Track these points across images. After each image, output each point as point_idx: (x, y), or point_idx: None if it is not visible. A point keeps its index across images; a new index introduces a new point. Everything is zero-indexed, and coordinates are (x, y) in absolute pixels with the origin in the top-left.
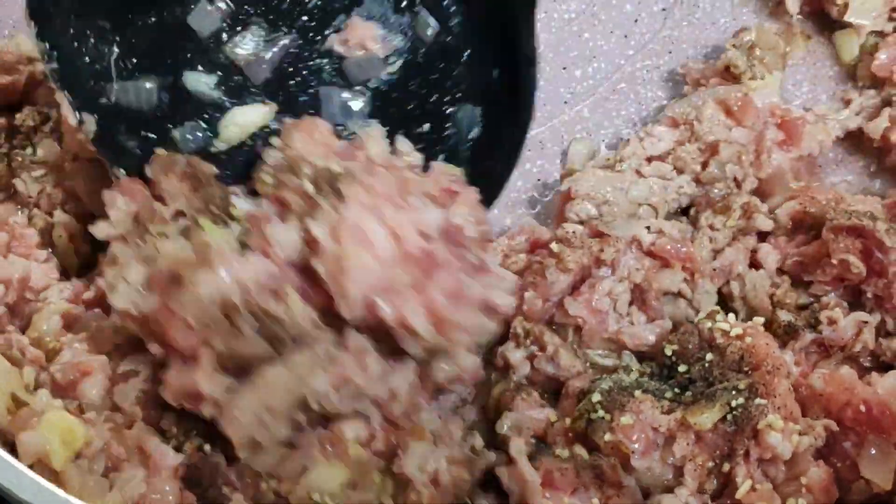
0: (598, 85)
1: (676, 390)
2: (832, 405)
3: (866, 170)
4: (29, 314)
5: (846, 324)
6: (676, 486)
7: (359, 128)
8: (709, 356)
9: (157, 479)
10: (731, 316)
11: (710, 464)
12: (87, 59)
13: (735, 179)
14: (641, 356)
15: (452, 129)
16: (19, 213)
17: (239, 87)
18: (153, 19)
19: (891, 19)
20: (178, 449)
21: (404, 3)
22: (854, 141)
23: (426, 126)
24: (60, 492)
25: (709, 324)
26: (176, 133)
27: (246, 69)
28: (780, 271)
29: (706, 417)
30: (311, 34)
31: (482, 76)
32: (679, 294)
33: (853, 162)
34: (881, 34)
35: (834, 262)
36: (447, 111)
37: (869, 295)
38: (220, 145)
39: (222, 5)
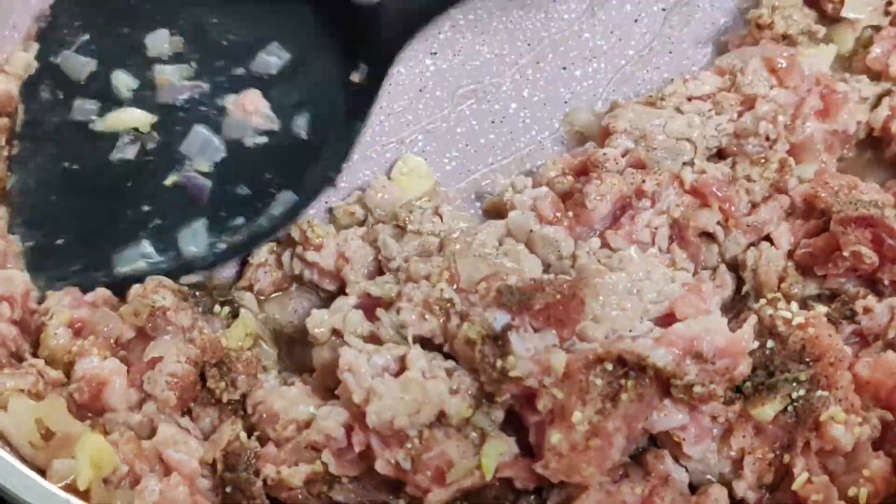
0: (598, 85)
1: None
2: (881, 391)
3: (867, 161)
4: (37, 330)
5: (881, 310)
6: (735, 480)
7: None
8: (770, 343)
9: (170, 484)
10: (794, 305)
11: (771, 455)
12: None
13: (767, 138)
14: None
15: (263, 207)
16: None
17: (144, 97)
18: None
19: (886, 13)
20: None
21: (296, 102)
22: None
23: (244, 192)
24: (61, 492)
25: (770, 311)
26: (78, 101)
27: (159, 87)
28: (790, 256)
29: (768, 409)
30: (222, 90)
31: (317, 173)
32: (711, 237)
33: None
34: (876, 28)
35: (846, 254)
36: (271, 191)
37: (886, 282)
38: (98, 125)
39: (178, 39)
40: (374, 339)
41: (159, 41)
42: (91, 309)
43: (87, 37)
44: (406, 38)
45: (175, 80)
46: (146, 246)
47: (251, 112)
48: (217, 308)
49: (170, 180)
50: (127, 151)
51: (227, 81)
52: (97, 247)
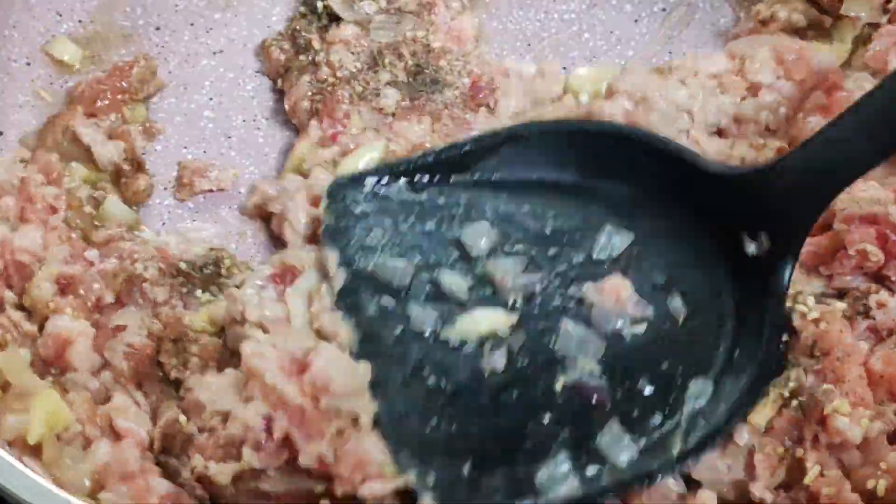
0: None
1: None
2: (894, 385)
3: None
4: (28, 277)
5: (895, 305)
6: (750, 482)
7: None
8: (784, 337)
9: (121, 447)
10: (811, 300)
11: (781, 449)
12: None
13: (767, 128)
14: None
15: (678, 400)
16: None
17: (487, 297)
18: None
19: (885, 11)
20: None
21: (662, 284)
22: None
23: (648, 390)
24: (61, 492)
25: (788, 304)
26: (414, 308)
27: (499, 285)
28: None
29: (760, 417)
30: (569, 280)
31: (721, 353)
32: None
33: None
34: (875, 25)
35: (851, 252)
36: (678, 383)
37: (893, 279)
38: (449, 335)
39: (495, 232)
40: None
41: (478, 235)
42: (85, 267)
43: (398, 240)
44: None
45: (513, 275)
46: (565, 461)
47: (622, 299)
48: (199, 293)
49: (559, 384)
50: (496, 360)
51: (572, 270)
52: (511, 468)
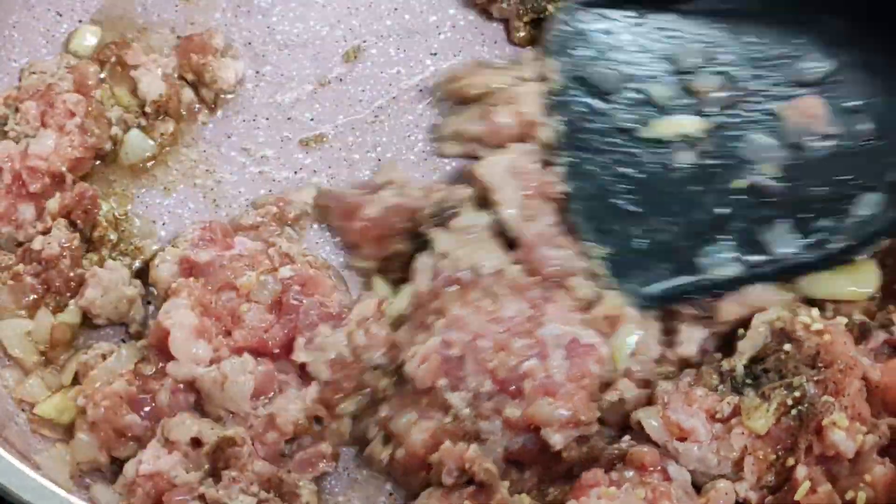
0: None
1: (749, 381)
2: (889, 395)
3: None
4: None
5: None
6: (737, 482)
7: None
8: (787, 346)
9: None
10: (815, 311)
11: (773, 456)
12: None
13: None
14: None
15: (848, 208)
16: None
17: (685, 106)
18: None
19: None
20: None
21: (855, 108)
22: None
23: (821, 196)
24: (61, 491)
25: (789, 314)
26: (618, 109)
27: (699, 97)
28: None
29: (760, 421)
30: (765, 98)
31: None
32: None
33: None
34: None
35: None
36: (850, 193)
37: None
38: (645, 132)
39: (704, 51)
40: None
41: (687, 54)
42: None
43: (613, 55)
44: None
45: (713, 89)
46: (732, 249)
47: (811, 116)
48: None
49: (737, 184)
50: (683, 157)
51: (770, 89)
52: (678, 250)
